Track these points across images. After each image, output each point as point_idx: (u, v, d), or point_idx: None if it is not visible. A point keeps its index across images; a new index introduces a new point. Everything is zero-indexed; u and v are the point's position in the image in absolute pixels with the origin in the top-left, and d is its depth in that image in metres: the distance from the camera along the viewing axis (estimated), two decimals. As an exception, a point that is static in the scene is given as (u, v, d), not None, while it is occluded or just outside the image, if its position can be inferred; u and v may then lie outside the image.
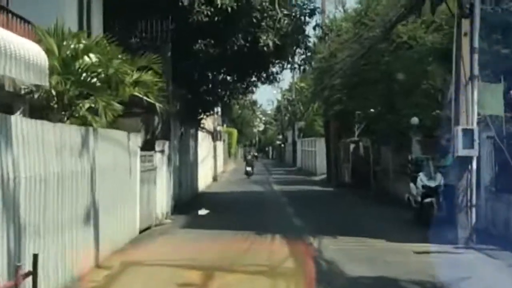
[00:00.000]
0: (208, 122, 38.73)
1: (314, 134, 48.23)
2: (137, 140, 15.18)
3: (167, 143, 19.39)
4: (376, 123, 27.40)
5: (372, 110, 30.82)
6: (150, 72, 14.76)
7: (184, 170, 24.41)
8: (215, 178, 39.81)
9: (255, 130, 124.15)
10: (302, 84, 67.02)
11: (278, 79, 27.53)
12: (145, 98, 15.10)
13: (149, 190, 17.80)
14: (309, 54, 23.60)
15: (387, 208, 19.96)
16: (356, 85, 31.70)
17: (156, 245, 13.69)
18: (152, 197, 18.08)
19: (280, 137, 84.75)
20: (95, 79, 11.68)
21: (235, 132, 65.27)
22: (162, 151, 18.89)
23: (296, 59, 24.28)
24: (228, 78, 27.02)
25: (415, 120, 20.75)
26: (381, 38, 26.28)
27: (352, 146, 32.01)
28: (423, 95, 23.15)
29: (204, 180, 33.10)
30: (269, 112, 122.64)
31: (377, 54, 27.43)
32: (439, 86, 23.56)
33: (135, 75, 14.56)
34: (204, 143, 33.75)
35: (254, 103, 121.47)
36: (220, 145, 52.86)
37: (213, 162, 40.14)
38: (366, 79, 29.52)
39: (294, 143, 64.83)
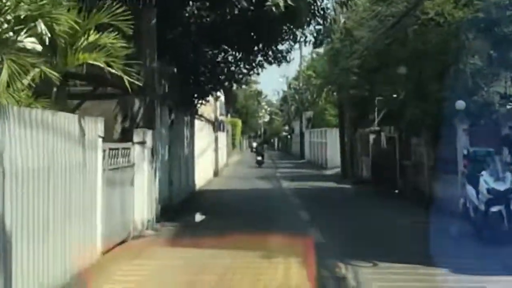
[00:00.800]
0: (208, 111, 34.40)
1: (325, 125, 43.88)
2: (96, 127, 10.84)
3: (149, 132, 15.07)
4: (403, 110, 23.07)
5: (395, 95, 26.60)
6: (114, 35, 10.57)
7: (176, 165, 20.10)
8: (216, 173, 35.51)
9: (260, 121, 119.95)
10: (310, 72, 62.68)
11: (288, 59, 23.18)
12: (108, 69, 10.78)
13: (124, 193, 13.50)
14: (327, 23, 19.11)
15: (427, 215, 15.61)
16: (377, 68, 27.50)
17: (116, 281, 9.33)
18: (128, 202, 13.78)
19: (287, 128, 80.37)
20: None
21: (239, 122, 60.94)
22: (142, 143, 14.57)
23: (310, 29, 19.85)
24: (229, 57, 22.77)
25: (461, 104, 16.34)
26: (404, 14, 22.21)
27: (372, 137, 27.66)
28: (460, 76, 18.97)
29: (203, 176, 28.81)
30: (274, 102, 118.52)
31: (402, 32, 23.36)
32: (483, 64, 19.43)
33: (93, 37, 10.33)
34: (203, 133, 29.43)
35: (259, 93, 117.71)
36: (222, 136, 48.54)
37: (215, 154, 35.83)
38: (389, 60, 25.30)
39: (301, 134, 60.46)
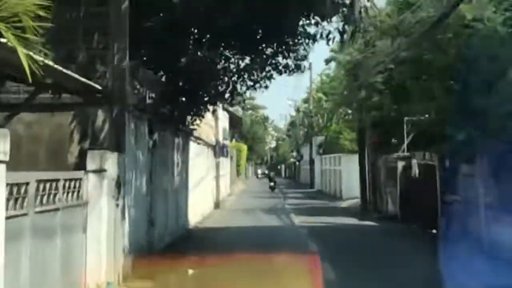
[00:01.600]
0: (209, 133, 29.91)
1: (339, 150, 39.33)
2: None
3: (112, 156, 10.57)
4: (444, 131, 18.57)
5: (427, 115, 22.17)
6: None
7: (160, 199, 15.53)
8: (217, 205, 30.90)
9: (266, 147, 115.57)
10: (320, 95, 58.29)
11: (301, 68, 18.70)
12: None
13: (68, 246, 8.99)
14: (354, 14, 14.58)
15: (503, 272, 11.06)
16: (406, 82, 23.11)
17: None
18: (75, 258, 9.25)
19: (294, 154, 75.76)
20: None
21: (244, 148, 56.36)
22: (100, 171, 10.06)
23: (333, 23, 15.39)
24: (231, 65, 18.34)
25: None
26: (446, 15, 18.11)
27: (400, 164, 23.04)
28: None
29: (200, 209, 24.24)
30: (281, 127, 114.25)
31: (434, 40, 19.39)
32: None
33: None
34: (201, 159, 24.91)
35: (266, 118, 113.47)
36: (226, 162, 44.00)
37: (215, 183, 31.27)
38: (423, 70, 20.99)
39: (311, 161, 55.86)
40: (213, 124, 31.55)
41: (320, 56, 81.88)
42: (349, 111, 52.08)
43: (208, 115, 32.01)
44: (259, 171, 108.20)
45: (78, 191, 9.44)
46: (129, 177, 12.03)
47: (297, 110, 77.29)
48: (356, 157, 36.75)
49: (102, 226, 10.00)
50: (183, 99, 17.08)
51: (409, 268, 12.79)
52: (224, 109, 52.91)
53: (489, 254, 14.23)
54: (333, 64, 57.20)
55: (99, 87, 11.02)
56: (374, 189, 26.60)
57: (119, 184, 10.96)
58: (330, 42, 15.73)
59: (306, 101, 63.91)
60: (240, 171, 55.40)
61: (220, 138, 39.13)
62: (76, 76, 10.30)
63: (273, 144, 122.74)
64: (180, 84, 16.68)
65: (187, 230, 19.81)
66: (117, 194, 10.86)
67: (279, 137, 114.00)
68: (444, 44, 18.11)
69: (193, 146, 22.16)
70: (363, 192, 27.99)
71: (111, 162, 10.47)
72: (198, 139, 23.25)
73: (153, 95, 15.10)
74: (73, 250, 9.23)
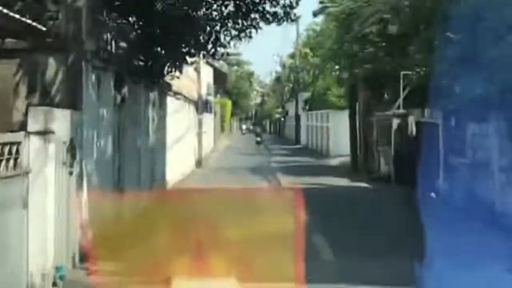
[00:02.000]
0: (190, 88, 27.81)
1: (326, 107, 37.38)
2: None
3: (62, 114, 8.55)
4: (448, 86, 16.66)
5: (423, 69, 20.32)
6: None
7: (131, 161, 13.57)
8: (199, 163, 28.97)
9: (251, 102, 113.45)
10: (307, 50, 56.02)
11: (291, 16, 16.50)
12: None
13: (3, 226, 7.04)
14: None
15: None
16: (401, 34, 21.28)
17: None
18: (8, 242, 7.30)
19: (280, 110, 73.74)
20: None
21: (229, 103, 54.25)
22: (44, 133, 8.05)
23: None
24: (213, 12, 16.14)
25: None
26: None
27: (396, 122, 21.15)
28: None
29: (180, 169, 22.30)
30: (267, 83, 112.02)
31: None
32: None
33: None
34: (181, 115, 22.84)
35: (251, 74, 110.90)
36: (209, 118, 41.96)
37: (197, 140, 29.28)
38: (425, 20, 19.07)
39: (297, 117, 53.93)
40: (195, 78, 29.41)
41: (307, 10, 79.02)
42: (337, 67, 50.10)
43: (190, 69, 29.86)
44: (244, 127, 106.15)
45: (16, 158, 7.43)
46: (88, 138, 10.01)
47: (283, 66, 74.99)
48: (344, 114, 34.84)
49: (48, 199, 8.02)
50: (159, 49, 14.95)
51: (409, 237, 10.99)
52: (208, 63, 50.62)
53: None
54: (320, 18, 54.96)
55: (44, 29, 8.91)
56: (365, 147, 24.77)
57: (73, 147, 8.95)
58: None
59: (292, 56, 61.63)
60: (225, 127, 53.41)
61: (203, 94, 36.98)
62: (17, 16, 8.23)
63: (258, 100, 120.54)
64: (155, 32, 14.53)
65: (166, 191, 17.87)
66: (70, 160, 8.86)
67: (264, 93, 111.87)
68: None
69: (171, 101, 20.08)
70: (353, 151, 26.16)
71: (61, 121, 8.43)
72: (177, 94, 21.15)
73: (124, 44, 13.01)
74: (9, 231, 7.27)
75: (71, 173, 8.93)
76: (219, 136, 50.22)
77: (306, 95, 49.23)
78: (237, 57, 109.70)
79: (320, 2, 39.81)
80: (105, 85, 11.14)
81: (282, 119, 71.37)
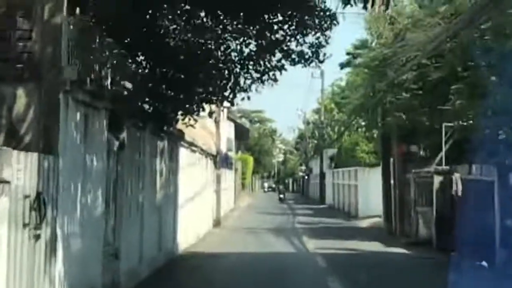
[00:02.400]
0: (208, 141, 25.71)
1: (353, 163, 35.03)
2: None
3: (29, 159, 6.40)
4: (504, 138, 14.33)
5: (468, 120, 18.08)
6: None
7: (132, 219, 11.31)
8: (218, 222, 26.61)
9: (274, 160, 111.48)
10: (332, 105, 54.06)
11: (320, 55, 14.32)
12: None
13: None
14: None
15: None
16: (445, 78, 19.17)
17: None
18: None
19: (303, 168, 71.40)
20: None
21: (250, 159, 52.06)
22: (-7, 181, 5.88)
23: None
24: (232, 53, 14.06)
25: None
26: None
27: (438, 179, 18.73)
28: None
29: (195, 229, 20.00)
30: (290, 140, 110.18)
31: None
32: None
33: None
34: (196, 169, 20.65)
35: (273, 131, 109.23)
36: (229, 174, 39.79)
37: (216, 197, 27.00)
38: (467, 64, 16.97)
39: (321, 175, 51.51)
40: (213, 130, 27.35)
41: (332, 65, 77.63)
42: (363, 123, 47.74)
43: (209, 121, 27.84)
44: (266, 185, 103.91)
45: None
46: (68, 191, 7.81)
47: (307, 123, 73.11)
48: (374, 171, 32.45)
49: (-4, 274, 5.78)
50: (168, 91, 12.88)
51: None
52: (229, 119, 48.85)
53: None
54: (346, 72, 53.14)
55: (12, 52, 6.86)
56: (401, 208, 22.26)
57: (41, 203, 6.73)
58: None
59: (317, 112, 59.66)
60: (246, 185, 51.13)
61: (223, 148, 34.92)
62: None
63: (281, 158, 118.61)
64: (164, 69, 12.49)
65: (174, 257, 15.54)
66: (36, 220, 6.64)
67: (287, 150, 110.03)
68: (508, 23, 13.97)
69: (185, 153, 17.93)
70: (387, 212, 23.64)
71: (21, 167, 6.25)
72: (192, 145, 19.01)
73: (129, 85, 10.95)
74: None
75: (37, 237, 6.69)
76: (240, 194, 47.92)
77: (331, 151, 46.94)
78: (259, 114, 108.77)
79: (347, 54, 38.06)
80: (95, 126, 8.98)
81: (306, 177, 68.96)
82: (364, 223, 28.79)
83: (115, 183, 10.12)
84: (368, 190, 32.40)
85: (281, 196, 55.06)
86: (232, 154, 45.31)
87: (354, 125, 44.89)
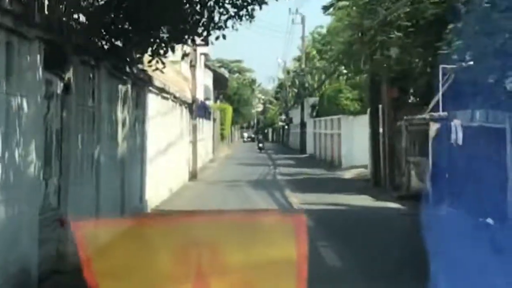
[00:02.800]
0: (183, 88, 23.64)
1: (336, 112, 33.11)
2: None
3: None
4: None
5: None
6: None
7: (85, 178, 9.34)
8: (194, 175, 24.73)
9: (253, 110, 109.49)
10: (314, 52, 51.92)
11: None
12: None
13: None
14: None
15: None
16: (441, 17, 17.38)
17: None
18: None
19: (283, 117, 69.50)
20: None
21: (229, 109, 50.00)
22: None
23: None
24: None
25: None
26: None
27: (434, 127, 16.90)
28: None
29: (167, 184, 18.11)
30: (269, 89, 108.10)
31: None
32: None
33: None
34: (169, 118, 18.62)
35: (253, 81, 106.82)
36: (207, 124, 37.82)
37: (192, 149, 25.06)
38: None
39: (302, 124, 49.69)
40: (189, 75, 25.21)
41: (314, 12, 74.94)
42: (345, 71, 45.81)
43: (184, 67, 25.70)
44: (246, 135, 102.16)
45: None
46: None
47: (287, 72, 70.91)
48: (359, 119, 30.64)
49: None
50: (130, 27, 10.78)
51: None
52: (207, 66, 46.58)
53: None
54: (327, 19, 51.00)
55: None
56: (390, 158, 20.50)
57: None
58: None
59: (298, 59, 57.51)
60: (225, 135, 49.21)
61: (200, 96, 32.83)
62: None
63: (260, 108, 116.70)
64: (127, 4, 10.35)
65: (145, 214, 13.65)
66: None
67: (266, 100, 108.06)
68: None
69: (155, 100, 15.89)
70: (375, 162, 21.86)
71: None
72: (163, 91, 16.94)
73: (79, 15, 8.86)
74: None
75: None
76: (219, 145, 46.04)
77: (312, 100, 45.02)
78: (238, 64, 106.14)
79: (330, -4, 35.91)
80: (24, 59, 6.91)
81: (286, 126, 67.16)
82: (349, 174, 27.09)
83: (58, 134, 8.12)
84: (352, 139, 30.68)
85: (260, 145, 56.57)
86: (210, 103, 43.24)
87: (337, 72, 42.99)
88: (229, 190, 20.04)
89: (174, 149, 19.73)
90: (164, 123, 17.26)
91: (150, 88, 14.75)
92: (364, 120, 30.47)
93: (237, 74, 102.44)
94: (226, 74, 67.36)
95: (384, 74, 20.15)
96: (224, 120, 47.36)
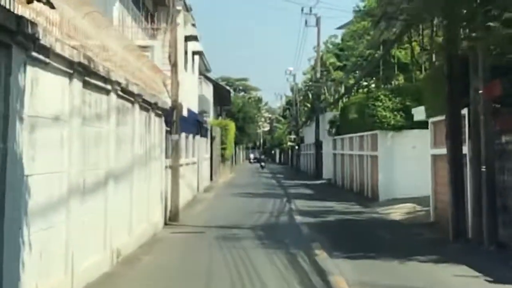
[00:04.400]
0: (158, 89, 15.30)
1: (366, 127, 24.68)
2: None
3: None
4: None
5: None
6: None
7: None
8: (174, 216, 16.25)
9: (259, 130, 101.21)
10: (331, 60, 43.71)
11: None
12: None
13: None
14: None
15: None
16: None
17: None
18: None
19: (293, 137, 61.05)
20: None
21: (232, 126, 41.46)
22: None
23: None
24: None
25: None
26: None
27: None
28: None
29: (109, 243, 9.74)
30: (276, 108, 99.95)
31: None
32: None
33: None
34: (109, 125, 10.21)
35: (259, 100, 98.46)
36: (202, 143, 29.58)
37: (172, 177, 16.61)
38: None
39: (318, 144, 41.27)
40: (167, 70, 16.71)
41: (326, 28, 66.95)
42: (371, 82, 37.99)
43: (157, 49, 17.34)
44: (252, 156, 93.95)
45: None
46: None
47: (296, 90, 62.70)
48: (401, 136, 22.34)
49: None
50: None
51: None
52: (208, 78, 38.51)
53: None
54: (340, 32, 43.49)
55: None
56: (489, 195, 12.00)
57: None
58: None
59: (312, 68, 49.08)
60: (226, 156, 40.74)
61: (193, 108, 24.54)
62: None
63: (267, 127, 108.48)
64: None
65: None
66: None
67: (273, 119, 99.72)
68: None
69: (59, 85, 7.54)
70: (456, 200, 13.23)
71: None
72: (84, 68, 8.47)
73: None
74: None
75: None
76: (219, 168, 37.62)
77: (331, 115, 36.59)
78: (244, 82, 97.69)
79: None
80: None
81: (296, 147, 58.65)
82: (396, 213, 18.61)
83: None
84: (392, 162, 22.32)
85: (262, 164, 62.41)
86: (209, 120, 35.01)
87: (364, 81, 34.98)
88: (223, 253, 11.58)
89: (129, 181, 11.33)
90: (91, 136, 8.88)
91: (34, 54, 6.38)
92: (409, 138, 22.15)
93: (242, 93, 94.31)
94: (232, 93, 59.39)
95: (480, 55, 11.73)
96: (226, 138, 38.93)
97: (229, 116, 55.73)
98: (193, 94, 26.17)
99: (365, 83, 37.96)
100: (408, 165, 21.70)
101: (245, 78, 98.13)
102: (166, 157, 16.38)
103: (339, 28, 45.11)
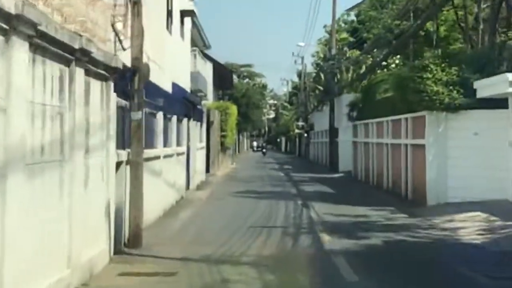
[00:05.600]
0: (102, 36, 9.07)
1: (403, 108, 18.44)
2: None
3: None
4: None
5: None
6: None
7: None
8: (134, 239, 10.26)
9: (264, 117, 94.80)
10: (344, 35, 37.42)
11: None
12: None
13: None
14: None
15: None
16: None
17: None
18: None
19: (301, 123, 54.77)
20: None
21: (234, 109, 35.10)
22: None
23: None
24: None
25: None
26: None
27: None
28: None
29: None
30: (281, 95, 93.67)
31: None
32: None
33: None
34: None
35: (264, 86, 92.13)
36: (196, 129, 23.52)
37: (129, 178, 10.57)
38: None
39: (332, 131, 35.11)
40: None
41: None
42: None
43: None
44: (255, 144, 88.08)
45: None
46: None
47: (305, 72, 56.45)
48: (462, 118, 16.26)
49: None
50: None
51: None
52: (207, 56, 32.46)
53: None
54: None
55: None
56: None
57: None
58: None
59: (325, 44, 42.74)
60: (227, 144, 34.54)
61: (184, 85, 18.32)
62: None
63: (272, 115, 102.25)
64: None
65: None
66: None
67: (279, 105, 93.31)
68: None
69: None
70: None
71: None
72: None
73: None
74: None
75: None
76: (218, 158, 31.49)
77: (350, 97, 30.37)
78: (248, 68, 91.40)
79: None
80: None
81: (305, 135, 52.41)
82: (466, 228, 12.42)
83: None
84: (445, 154, 16.19)
85: (264, 150, 63.10)
86: (207, 103, 28.95)
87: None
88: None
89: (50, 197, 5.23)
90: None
91: None
92: (470, 121, 16.06)
93: (247, 80, 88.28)
94: (235, 79, 53.30)
95: None
96: (226, 124, 32.75)
97: (232, 100, 49.61)
98: (182, 67, 20.04)
99: (384, 63, 31.83)
100: (469, 158, 15.66)
101: (249, 64, 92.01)
102: (122, 147, 10.28)
103: (349, 10, 38.95)
